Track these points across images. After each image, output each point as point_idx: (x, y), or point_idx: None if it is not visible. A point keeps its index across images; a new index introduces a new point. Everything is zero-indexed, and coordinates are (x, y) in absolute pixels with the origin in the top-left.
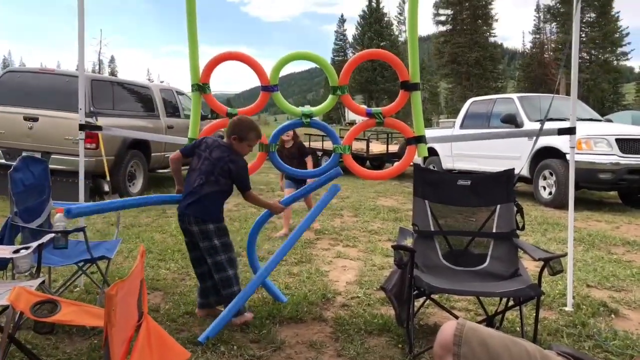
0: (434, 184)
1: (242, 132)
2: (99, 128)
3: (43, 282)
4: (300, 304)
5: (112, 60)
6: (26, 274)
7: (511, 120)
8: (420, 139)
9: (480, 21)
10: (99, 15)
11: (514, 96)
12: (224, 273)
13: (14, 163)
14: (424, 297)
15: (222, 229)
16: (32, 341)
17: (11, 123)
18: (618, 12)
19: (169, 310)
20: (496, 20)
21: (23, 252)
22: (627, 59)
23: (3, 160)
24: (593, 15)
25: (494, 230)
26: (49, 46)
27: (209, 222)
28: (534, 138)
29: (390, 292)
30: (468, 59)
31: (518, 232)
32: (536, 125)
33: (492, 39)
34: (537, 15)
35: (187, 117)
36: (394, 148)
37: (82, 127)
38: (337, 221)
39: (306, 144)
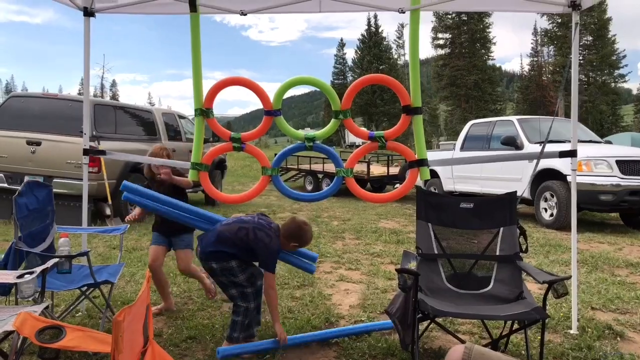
0: (437, 206)
1: (302, 241)
2: (103, 152)
3: (47, 307)
4: (304, 328)
5: (113, 84)
6: (30, 299)
7: (511, 142)
8: (422, 162)
9: (478, 44)
10: (101, 40)
11: (514, 118)
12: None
13: (18, 187)
14: (428, 321)
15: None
16: None
17: (14, 147)
18: (614, 35)
19: (172, 335)
20: (494, 43)
21: (27, 277)
22: (625, 81)
23: (6, 185)
24: (590, 38)
25: (497, 253)
26: (51, 70)
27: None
28: (535, 160)
29: (394, 316)
30: (467, 82)
31: (521, 254)
32: (536, 148)
33: (490, 62)
34: (535, 38)
35: (189, 140)
36: (394, 170)
37: (86, 152)
38: (339, 244)
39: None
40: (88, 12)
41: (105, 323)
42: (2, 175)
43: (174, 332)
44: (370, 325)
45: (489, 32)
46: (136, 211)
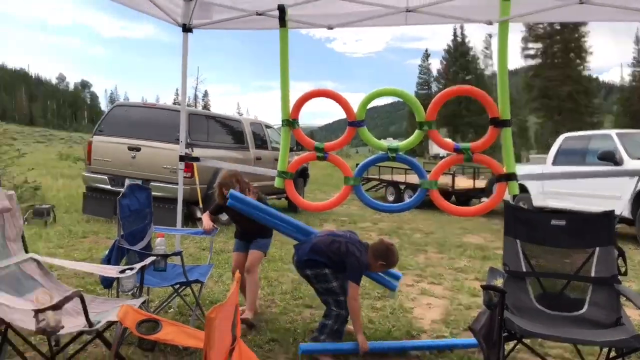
0: (526, 222)
1: (389, 262)
2: (197, 159)
3: (144, 301)
4: (384, 339)
5: (205, 94)
6: (129, 293)
7: (610, 157)
8: (510, 176)
9: (572, 54)
10: (195, 53)
11: (612, 132)
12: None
13: (119, 189)
14: (515, 341)
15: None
16: (131, 357)
17: (117, 152)
18: None
19: (256, 337)
20: (591, 53)
21: (128, 273)
22: None
23: (109, 186)
24: None
25: (592, 275)
26: (149, 81)
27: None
28: (638, 177)
29: (479, 334)
30: (560, 93)
31: (620, 277)
32: (638, 164)
33: (586, 73)
34: (637, 47)
35: (274, 149)
36: (480, 183)
37: (182, 158)
38: (421, 257)
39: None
40: (186, 28)
41: (194, 320)
42: (106, 177)
43: (257, 333)
44: (454, 341)
45: (585, 42)
46: (206, 226)
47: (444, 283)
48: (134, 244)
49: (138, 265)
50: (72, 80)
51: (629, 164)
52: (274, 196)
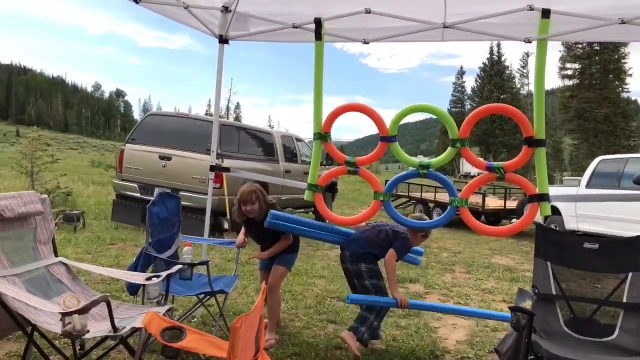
0: (557, 245)
1: (428, 231)
2: (227, 170)
3: (170, 309)
4: (408, 358)
5: (237, 106)
6: (154, 300)
7: None
8: (543, 197)
9: (611, 76)
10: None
11: None
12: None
13: (149, 197)
14: None
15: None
16: None
17: (148, 161)
18: None
19: (277, 350)
20: (630, 75)
21: (154, 280)
22: None
23: (138, 194)
24: None
25: (624, 300)
26: (182, 91)
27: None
28: None
29: (504, 356)
30: (596, 115)
31: None
32: None
33: (624, 95)
34: None
35: (304, 162)
36: (511, 204)
37: (212, 168)
38: (448, 276)
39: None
40: (223, 40)
41: (217, 331)
42: (136, 185)
43: (280, 346)
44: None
45: (625, 63)
46: (239, 240)
47: (470, 304)
48: (161, 252)
49: (164, 273)
50: (107, 89)
51: None
52: (302, 209)
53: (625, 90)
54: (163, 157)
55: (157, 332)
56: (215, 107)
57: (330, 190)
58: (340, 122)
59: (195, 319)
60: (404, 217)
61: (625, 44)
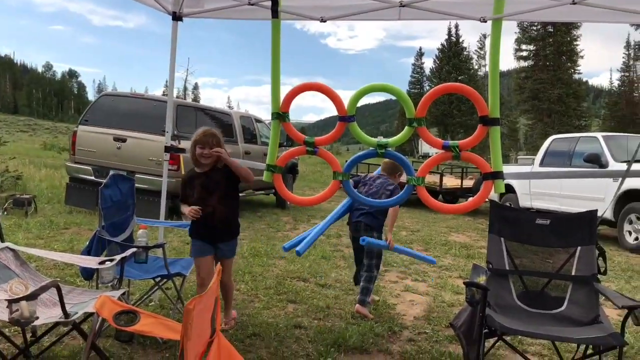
0: (511, 221)
1: (402, 169)
2: (182, 150)
3: (124, 293)
4: (366, 335)
5: (195, 87)
6: (109, 285)
7: (595, 160)
8: (497, 175)
9: (564, 57)
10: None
11: (599, 135)
12: (371, 274)
13: (103, 180)
14: (495, 338)
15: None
16: (109, 349)
17: (102, 143)
18: None
19: (237, 331)
20: (582, 57)
21: (108, 264)
22: None
23: (93, 177)
24: None
25: (573, 273)
26: (139, 72)
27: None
28: (620, 179)
29: (459, 330)
30: (550, 96)
31: (599, 276)
32: (622, 166)
33: (576, 76)
34: (627, 52)
35: (264, 143)
36: (468, 183)
37: (167, 149)
38: None
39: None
40: (176, 17)
41: (176, 314)
42: (90, 168)
43: (239, 327)
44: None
45: (577, 45)
46: (186, 211)
47: (427, 280)
48: (115, 236)
49: (118, 257)
50: (59, 69)
51: (614, 166)
52: (262, 192)
53: (577, 71)
54: (118, 139)
55: (110, 317)
56: (170, 87)
57: (291, 171)
58: (302, 102)
59: (153, 303)
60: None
61: (577, 27)
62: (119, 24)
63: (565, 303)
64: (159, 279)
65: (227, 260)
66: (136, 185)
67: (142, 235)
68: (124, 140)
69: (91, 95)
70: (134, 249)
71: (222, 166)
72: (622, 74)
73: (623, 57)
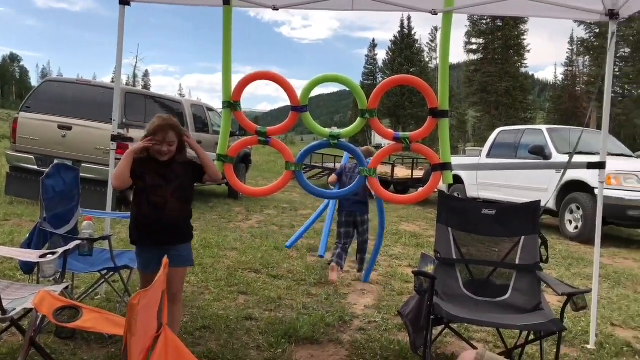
0: (458, 211)
1: (371, 151)
2: (130, 139)
3: (67, 287)
4: (317, 325)
5: (145, 74)
6: (50, 279)
7: (539, 151)
8: (446, 166)
9: (512, 51)
10: (136, 30)
11: (543, 128)
12: (366, 245)
13: (46, 170)
14: (443, 326)
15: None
16: (51, 346)
17: (46, 131)
18: None
19: (187, 324)
20: (528, 51)
21: (49, 257)
22: None
23: (35, 167)
24: (627, 50)
25: (517, 262)
26: (86, 58)
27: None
28: (562, 170)
29: (407, 318)
30: (498, 89)
31: (542, 265)
32: (565, 158)
33: (523, 70)
34: (571, 47)
35: (216, 132)
36: (418, 174)
37: (114, 138)
38: None
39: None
40: (124, 1)
41: (122, 307)
42: (32, 157)
43: (188, 320)
44: None
45: (524, 40)
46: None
47: (378, 270)
48: (58, 228)
49: (60, 250)
50: None
51: (557, 158)
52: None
53: (524, 65)
54: (63, 127)
55: (49, 312)
56: (117, 73)
57: (243, 161)
58: (255, 92)
59: (99, 297)
60: (315, 186)
61: (524, 21)
62: (63, 7)
63: (510, 291)
64: (105, 272)
65: (178, 270)
66: (82, 175)
67: (87, 227)
68: (69, 128)
69: (34, 81)
70: (78, 242)
71: (185, 161)
72: (566, 68)
73: (567, 53)
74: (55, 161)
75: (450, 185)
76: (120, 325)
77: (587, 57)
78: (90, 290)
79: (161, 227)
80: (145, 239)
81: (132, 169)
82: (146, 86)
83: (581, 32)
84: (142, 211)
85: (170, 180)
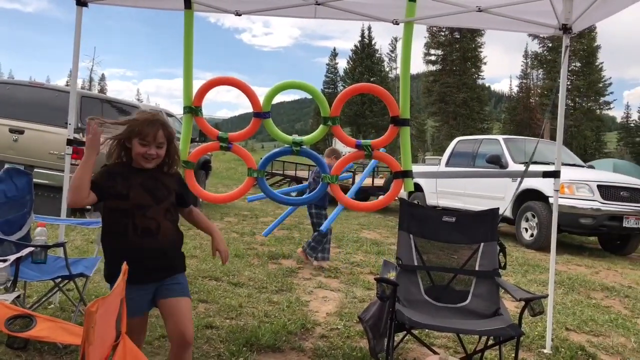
0: (419, 218)
1: (338, 153)
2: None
3: (18, 296)
4: (279, 333)
5: (102, 78)
6: (1, 287)
7: (496, 161)
8: (407, 174)
9: (469, 63)
10: (93, 33)
11: (500, 137)
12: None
13: None
14: (404, 332)
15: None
16: (2, 357)
17: None
18: (602, 63)
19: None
20: (485, 63)
21: (0, 265)
22: (610, 109)
23: None
24: (578, 64)
25: (476, 268)
26: (40, 60)
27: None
28: (518, 179)
29: (367, 323)
30: (456, 99)
31: (500, 271)
32: (520, 167)
33: (480, 81)
34: (525, 61)
35: (176, 139)
36: (379, 181)
37: (69, 142)
38: None
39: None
40: (81, 2)
41: (77, 316)
42: None
43: (147, 329)
44: None
45: (481, 52)
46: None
47: (340, 277)
48: (10, 234)
49: (12, 257)
50: None
51: (513, 167)
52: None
53: (481, 77)
54: (14, 131)
55: (1, 322)
56: (73, 76)
57: (203, 168)
58: (216, 98)
59: (53, 306)
60: (277, 193)
61: (481, 34)
62: (16, 7)
63: (470, 297)
64: (59, 279)
65: (181, 301)
66: (36, 180)
67: (41, 233)
68: (21, 132)
69: None
70: (31, 249)
71: (173, 172)
72: (521, 80)
73: (522, 65)
74: (6, 165)
75: (410, 193)
76: (77, 334)
77: (540, 70)
78: (44, 299)
79: (156, 256)
80: (136, 276)
81: (104, 183)
82: (102, 90)
83: (535, 46)
84: (127, 240)
85: (160, 198)
